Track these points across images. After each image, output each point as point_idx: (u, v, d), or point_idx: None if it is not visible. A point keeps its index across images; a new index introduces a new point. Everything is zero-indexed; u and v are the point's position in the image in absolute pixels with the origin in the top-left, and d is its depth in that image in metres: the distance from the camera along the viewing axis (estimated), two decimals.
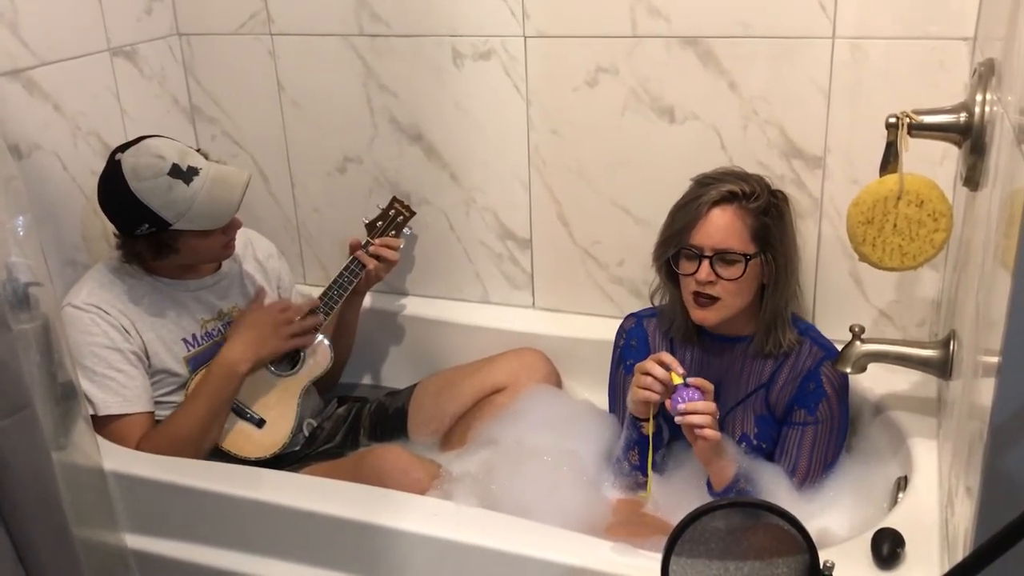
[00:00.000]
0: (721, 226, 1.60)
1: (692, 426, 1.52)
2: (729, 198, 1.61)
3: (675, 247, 1.64)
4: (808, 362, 1.67)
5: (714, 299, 1.62)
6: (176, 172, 1.71)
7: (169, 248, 1.78)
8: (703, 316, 1.64)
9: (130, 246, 1.80)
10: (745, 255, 1.59)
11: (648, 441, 1.64)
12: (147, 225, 1.72)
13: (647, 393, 1.58)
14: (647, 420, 1.64)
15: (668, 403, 1.55)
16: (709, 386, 1.55)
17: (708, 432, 1.51)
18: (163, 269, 1.86)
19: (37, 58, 1.85)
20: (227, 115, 2.29)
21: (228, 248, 1.87)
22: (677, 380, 1.55)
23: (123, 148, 1.76)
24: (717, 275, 1.59)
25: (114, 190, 1.73)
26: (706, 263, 1.59)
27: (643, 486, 1.69)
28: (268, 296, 2.00)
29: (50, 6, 1.87)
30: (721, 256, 1.59)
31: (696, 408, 1.50)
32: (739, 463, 1.60)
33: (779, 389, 1.68)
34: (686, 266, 1.63)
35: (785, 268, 1.64)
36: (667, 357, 1.58)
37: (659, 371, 1.56)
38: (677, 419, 1.53)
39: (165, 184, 1.70)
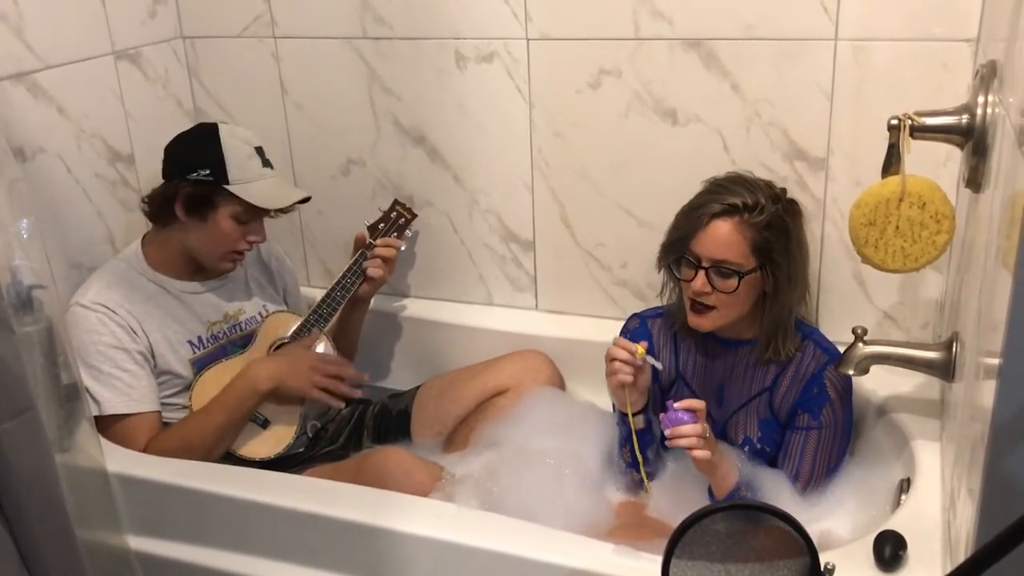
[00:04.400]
0: (720, 239, 1.58)
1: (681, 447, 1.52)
2: (731, 211, 1.58)
3: (676, 253, 1.64)
4: (812, 366, 1.66)
5: (709, 308, 1.62)
6: (260, 152, 1.86)
7: (205, 209, 1.79)
8: (698, 323, 1.65)
9: (170, 193, 1.81)
10: (739, 271, 1.57)
11: (641, 437, 1.65)
12: (208, 171, 1.78)
13: (618, 377, 1.59)
14: (633, 414, 1.64)
15: (662, 419, 1.54)
16: (699, 405, 1.51)
17: (697, 453, 1.49)
18: (171, 268, 1.87)
19: (41, 61, 1.86)
20: (231, 118, 2.30)
21: (235, 259, 1.88)
22: (641, 352, 1.57)
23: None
24: (713, 286, 1.59)
25: (202, 133, 1.85)
26: (702, 274, 1.59)
27: (642, 485, 1.68)
28: (318, 345, 1.99)
29: (54, 10, 1.88)
30: (717, 268, 1.58)
31: (682, 432, 1.49)
32: (740, 471, 1.59)
33: (782, 393, 1.68)
34: (685, 272, 1.64)
35: (788, 280, 1.62)
36: (620, 340, 1.61)
37: (622, 354, 1.58)
38: (667, 443, 1.52)
39: (248, 151, 1.83)
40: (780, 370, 1.68)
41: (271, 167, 1.87)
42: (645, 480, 1.67)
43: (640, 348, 1.58)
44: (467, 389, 2.02)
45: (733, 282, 1.58)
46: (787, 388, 1.67)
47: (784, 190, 1.69)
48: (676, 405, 1.49)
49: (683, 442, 1.49)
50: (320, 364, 1.89)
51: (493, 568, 1.43)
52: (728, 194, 1.60)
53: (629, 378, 1.59)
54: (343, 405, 1.96)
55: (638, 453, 1.65)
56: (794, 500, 1.61)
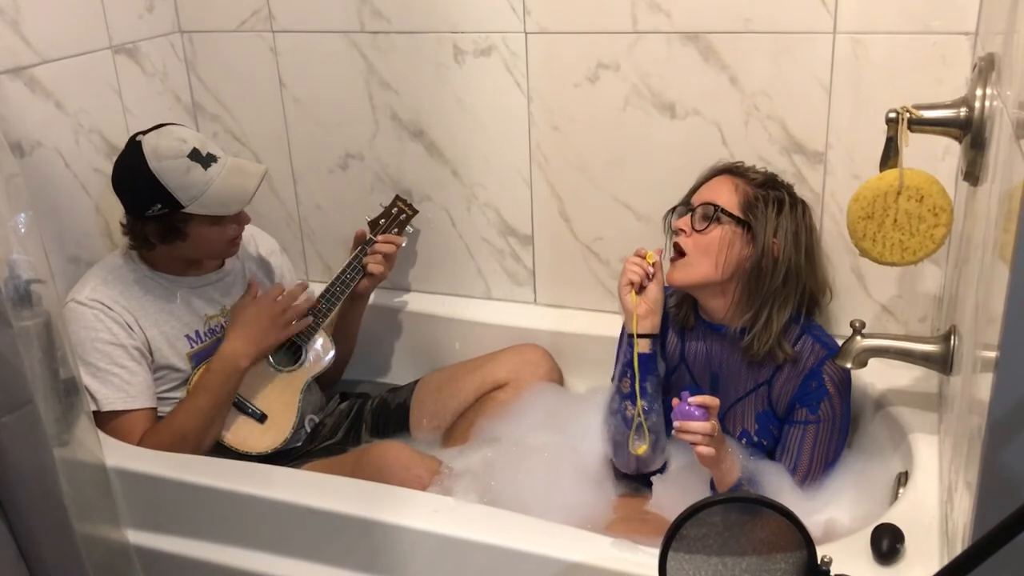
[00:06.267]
0: (714, 186, 1.67)
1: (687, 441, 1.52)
2: (734, 170, 1.69)
3: (679, 205, 1.71)
4: (810, 360, 1.65)
5: (682, 254, 1.65)
6: (196, 156, 1.74)
7: (178, 233, 1.78)
8: (670, 274, 1.67)
9: (138, 229, 1.80)
10: (718, 207, 1.62)
11: (643, 364, 1.66)
12: (159, 206, 1.73)
13: (627, 275, 1.67)
14: (639, 335, 1.66)
15: (675, 403, 1.54)
16: (713, 402, 1.51)
17: (702, 450, 1.49)
18: (167, 264, 1.87)
19: (39, 56, 1.85)
20: (229, 112, 2.29)
21: (234, 244, 1.88)
22: (652, 258, 1.67)
23: (144, 132, 1.78)
24: (692, 227, 1.64)
25: (132, 168, 1.75)
26: (688, 215, 1.66)
27: (639, 435, 1.67)
28: (260, 287, 1.99)
29: (52, 4, 1.88)
30: (703, 207, 1.64)
31: (690, 428, 1.49)
32: (743, 466, 1.59)
33: (780, 387, 1.67)
34: (677, 223, 1.69)
35: (773, 263, 1.61)
36: (640, 250, 1.69)
37: (635, 258, 1.68)
38: (674, 433, 1.52)
39: (184, 166, 1.72)
40: (778, 364, 1.68)
41: (215, 159, 1.76)
42: (640, 415, 1.66)
43: (651, 253, 1.67)
44: (466, 383, 2.02)
45: (707, 221, 1.62)
46: (785, 382, 1.67)
47: (792, 188, 1.71)
48: (691, 400, 1.50)
49: (689, 437, 1.50)
50: (275, 308, 1.90)
51: (491, 562, 1.43)
52: (737, 162, 1.73)
53: (636, 276, 1.65)
54: (310, 319, 1.98)
55: (625, 387, 1.65)
56: (795, 494, 1.61)
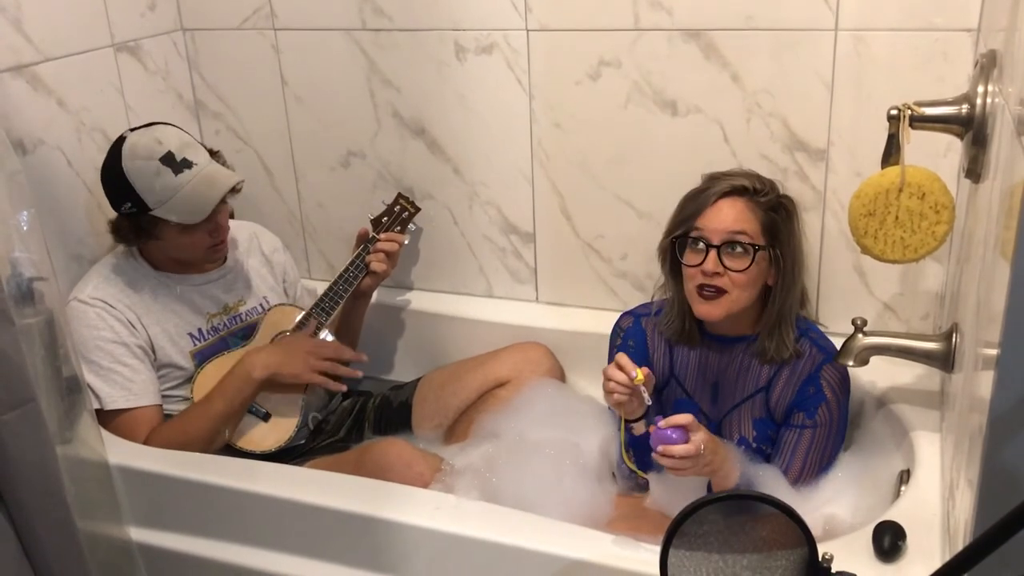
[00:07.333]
0: (731, 215, 1.56)
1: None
2: (740, 191, 1.58)
3: (681, 236, 1.61)
4: (808, 366, 1.63)
5: (720, 292, 1.57)
6: (168, 160, 1.73)
7: (148, 233, 1.78)
8: (708, 311, 1.59)
9: (117, 223, 1.82)
10: (754, 245, 1.55)
11: (641, 442, 1.59)
12: (129, 204, 1.74)
13: (614, 397, 1.54)
14: (635, 420, 1.59)
15: (651, 437, 1.48)
16: (685, 420, 1.44)
17: (682, 475, 1.46)
18: (166, 263, 1.87)
19: (41, 54, 1.85)
20: (231, 110, 2.30)
21: (216, 251, 1.87)
22: (640, 379, 1.50)
23: (134, 129, 1.79)
24: (724, 266, 1.55)
25: (109, 164, 1.77)
26: (713, 253, 1.55)
27: (645, 487, 1.66)
28: (321, 334, 1.98)
29: (54, 2, 1.88)
30: (730, 245, 1.55)
31: (671, 452, 1.43)
32: (742, 472, 1.56)
33: (778, 393, 1.66)
34: (692, 257, 1.59)
35: (792, 269, 1.61)
36: (623, 359, 1.53)
37: (619, 376, 1.52)
38: (654, 457, 1.46)
39: (154, 169, 1.72)
40: (776, 370, 1.66)
41: (189, 166, 1.73)
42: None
43: (640, 375, 1.51)
44: (468, 381, 2.02)
45: (746, 260, 1.55)
46: (783, 388, 1.66)
47: (777, 185, 1.68)
48: (661, 423, 1.44)
49: (669, 463, 1.45)
50: (317, 348, 1.90)
51: (493, 559, 1.43)
52: (732, 178, 1.60)
53: (625, 399, 1.54)
54: (344, 387, 1.95)
55: (629, 463, 1.61)
56: (793, 495, 1.61)
